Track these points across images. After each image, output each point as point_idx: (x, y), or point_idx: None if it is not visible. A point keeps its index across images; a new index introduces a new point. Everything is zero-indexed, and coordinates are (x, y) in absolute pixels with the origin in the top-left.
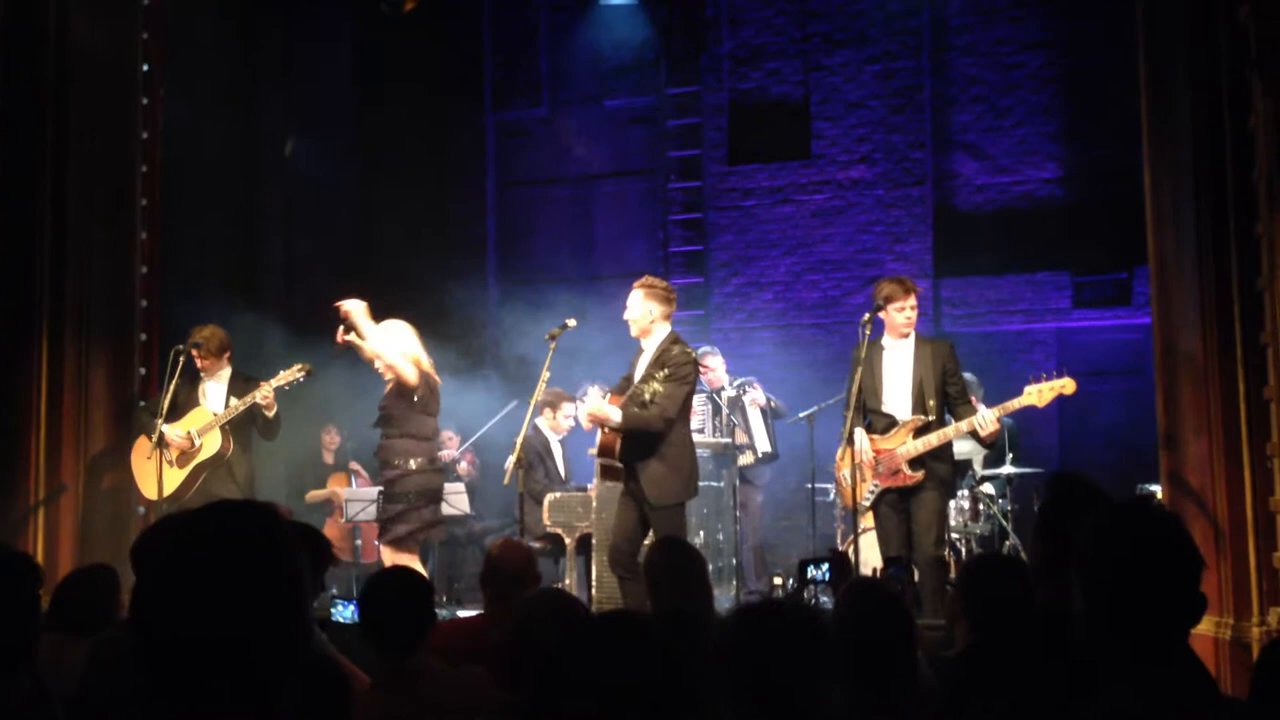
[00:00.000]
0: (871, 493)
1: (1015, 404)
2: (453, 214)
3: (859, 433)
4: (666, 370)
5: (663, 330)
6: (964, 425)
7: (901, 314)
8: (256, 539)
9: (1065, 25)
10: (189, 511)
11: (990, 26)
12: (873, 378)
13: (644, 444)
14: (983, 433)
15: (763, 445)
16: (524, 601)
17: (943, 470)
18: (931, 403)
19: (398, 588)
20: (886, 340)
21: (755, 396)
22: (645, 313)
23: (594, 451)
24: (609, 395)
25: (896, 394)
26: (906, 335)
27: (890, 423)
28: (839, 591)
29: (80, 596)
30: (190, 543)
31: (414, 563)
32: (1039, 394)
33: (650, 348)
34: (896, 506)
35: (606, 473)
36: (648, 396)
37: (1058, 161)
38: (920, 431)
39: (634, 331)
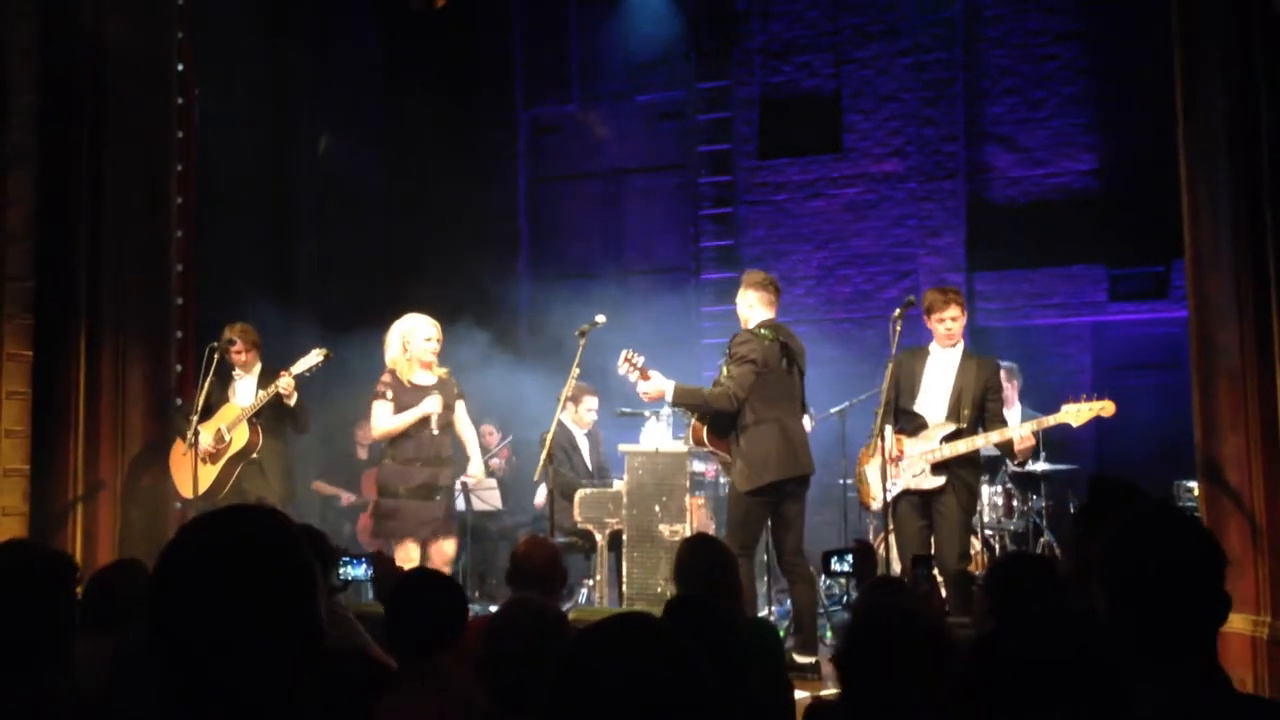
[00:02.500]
0: (889, 490)
1: (1051, 421)
2: (484, 210)
3: (887, 431)
4: (728, 353)
5: (752, 321)
6: (995, 435)
7: (942, 325)
8: (267, 545)
9: (1099, 16)
10: (204, 516)
11: (1023, 18)
12: (912, 378)
13: (728, 430)
14: (1017, 445)
15: None
16: (501, 611)
17: (967, 477)
18: (966, 412)
19: (426, 588)
20: (934, 346)
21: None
22: (742, 305)
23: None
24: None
25: (933, 398)
26: (953, 345)
27: (920, 425)
28: (862, 590)
29: (110, 592)
30: (203, 549)
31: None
32: (1076, 414)
33: None
34: (918, 509)
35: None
36: (721, 380)
37: (1092, 153)
38: (950, 438)
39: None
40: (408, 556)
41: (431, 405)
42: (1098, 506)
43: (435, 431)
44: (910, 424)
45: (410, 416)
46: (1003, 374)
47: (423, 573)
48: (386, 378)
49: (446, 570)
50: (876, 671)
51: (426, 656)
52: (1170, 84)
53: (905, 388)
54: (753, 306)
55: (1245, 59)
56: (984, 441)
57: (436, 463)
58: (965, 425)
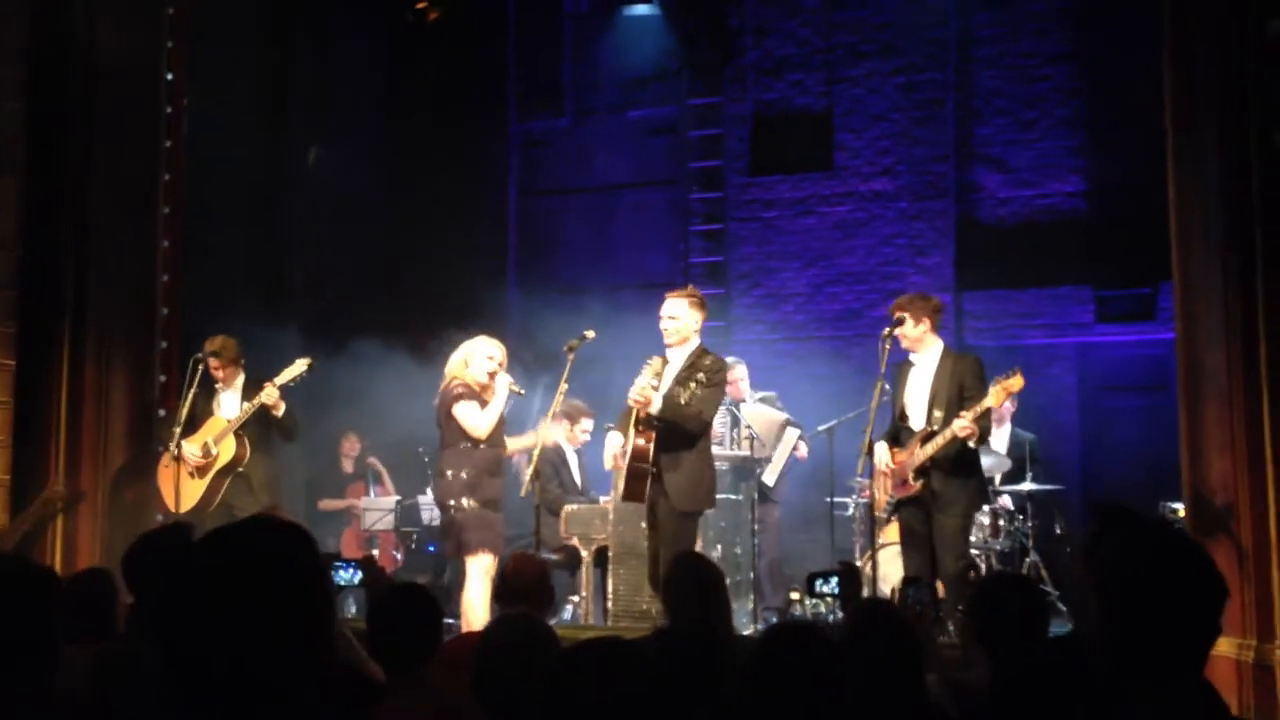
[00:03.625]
0: (890, 504)
1: (980, 406)
2: (475, 223)
3: (879, 445)
4: (703, 375)
5: (695, 341)
6: (947, 433)
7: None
8: (284, 557)
9: (1091, 38)
10: (219, 530)
11: (1015, 39)
12: (900, 390)
13: (675, 449)
14: (961, 435)
15: (769, 479)
16: (491, 628)
17: (946, 487)
18: (938, 414)
19: (401, 600)
20: (913, 356)
21: (801, 450)
22: (690, 322)
23: (615, 465)
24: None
25: (915, 406)
26: (919, 349)
27: (909, 434)
28: (848, 611)
29: (79, 602)
30: (218, 561)
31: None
32: (995, 394)
33: (679, 357)
34: (918, 518)
35: (631, 492)
36: (684, 399)
37: (1081, 175)
38: (926, 440)
39: (673, 339)
40: (488, 569)
41: (504, 383)
42: (1103, 532)
43: (522, 392)
44: (904, 436)
45: (500, 402)
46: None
47: (396, 586)
48: (456, 382)
49: (487, 584)
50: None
51: (411, 667)
52: (1160, 106)
53: (895, 400)
54: (695, 329)
55: (1237, 83)
56: (943, 440)
57: (501, 473)
58: (937, 428)
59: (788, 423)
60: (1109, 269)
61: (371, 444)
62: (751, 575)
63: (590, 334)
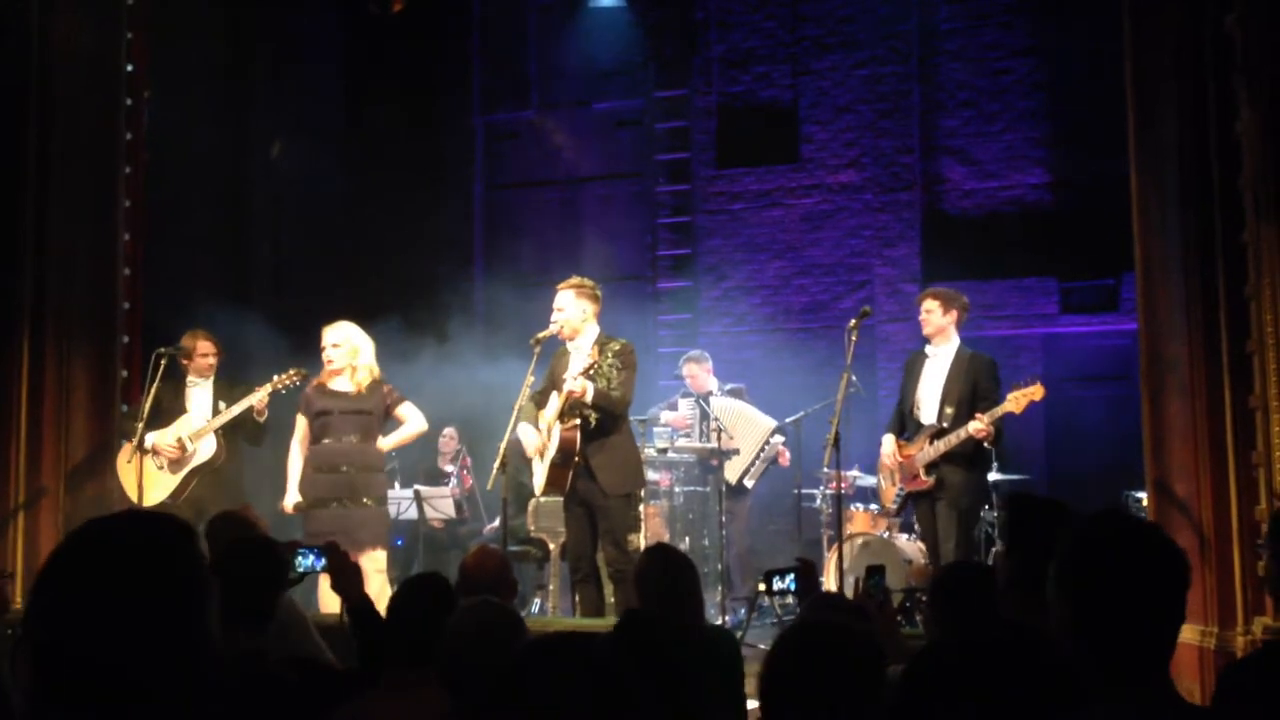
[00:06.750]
0: (899, 497)
1: (1000, 410)
2: (441, 216)
3: (886, 438)
4: (618, 360)
5: (593, 330)
6: (962, 431)
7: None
8: (151, 549)
9: (1054, 31)
10: (91, 521)
11: (979, 32)
12: (913, 381)
13: (601, 435)
14: (977, 436)
15: (749, 482)
16: (457, 617)
17: (956, 477)
18: (949, 410)
19: (426, 593)
20: (929, 348)
21: (785, 457)
22: (579, 313)
23: (539, 453)
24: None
25: (927, 400)
26: (939, 342)
27: (917, 428)
28: (804, 606)
29: None
30: (81, 551)
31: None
32: (1015, 401)
33: (583, 347)
34: (929, 511)
35: (555, 483)
36: (604, 383)
37: (1045, 167)
38: (936, 437)
39: (566, 332)
40: None
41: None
42: (1018, 523)
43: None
44: (913, 429)
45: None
46: None
47: (418, 576)
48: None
49: (379, 579)
50: (796, 694)
51: (419, 665)
52: (1123, 99)
53: (907, 392)
54: (586, 318)
55: (1197, 76)
56: (955, 439)
57: (357, 470)
58: (948, 425)
59: (775, 430)
60: (1073, 260)
61: None
62: (720, 566)
63: (555, 327)
